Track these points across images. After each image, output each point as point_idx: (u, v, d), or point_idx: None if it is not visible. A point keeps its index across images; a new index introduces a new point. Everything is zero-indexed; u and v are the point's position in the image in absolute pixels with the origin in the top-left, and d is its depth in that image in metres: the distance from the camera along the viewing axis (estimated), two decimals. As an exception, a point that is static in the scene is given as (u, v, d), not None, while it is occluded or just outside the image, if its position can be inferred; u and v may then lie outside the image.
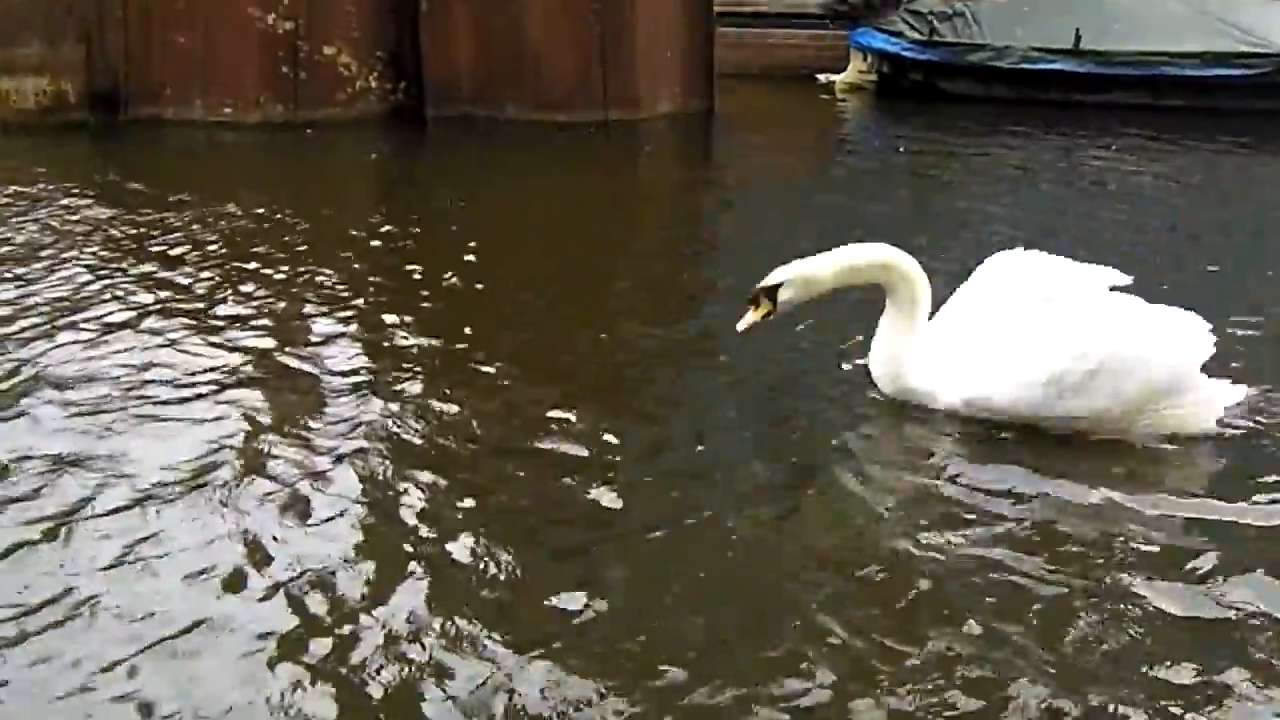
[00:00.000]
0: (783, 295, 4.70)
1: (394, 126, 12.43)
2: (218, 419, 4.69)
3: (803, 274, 4.69)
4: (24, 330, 5.81)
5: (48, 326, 5.86)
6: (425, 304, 6.42)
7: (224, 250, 7.43)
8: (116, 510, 3.93)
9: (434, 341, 5.78)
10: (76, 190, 9.15)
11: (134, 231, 7.91)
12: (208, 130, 12.04)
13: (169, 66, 12.15)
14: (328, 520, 3.90)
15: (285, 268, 7.00)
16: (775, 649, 3.25)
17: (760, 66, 18.03)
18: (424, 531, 3.89)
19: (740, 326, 4.74)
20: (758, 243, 7.85)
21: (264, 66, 12.24)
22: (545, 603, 3.45)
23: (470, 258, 7.36)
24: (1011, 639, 3.31)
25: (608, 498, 4.10)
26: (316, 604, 3.41)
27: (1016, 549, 3.79)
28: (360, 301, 6.39)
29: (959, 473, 4.27)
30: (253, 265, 7.06)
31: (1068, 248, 5.03)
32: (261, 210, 8.46)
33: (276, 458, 4.37)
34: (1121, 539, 3.86)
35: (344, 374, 5.28)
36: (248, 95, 12.22)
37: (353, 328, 5.95)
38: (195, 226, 8.00)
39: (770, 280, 4.71)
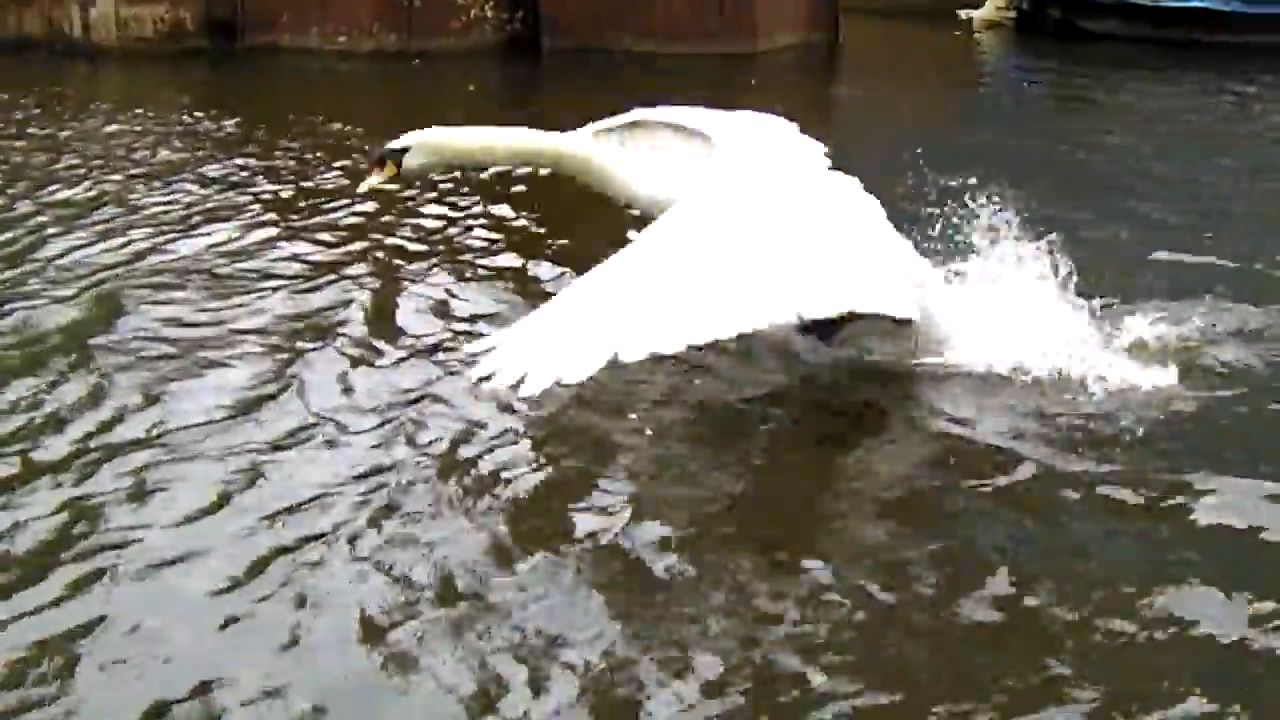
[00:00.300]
0: (408, 161, 4.29)
1: (509, 58, 12.32)
2: (279, 343, 4.63)
3: (431, 140, 4.29)
4: (120, 245, 5.90)
5: (148, 243, 5.93)
6: (516, 232, 6.28)
7: (326, 175, 7.43)
8: (148, 434, 3.86)
9: (514, 262, 5.69)
10: (192, 116, 9.29)
11: (244, 153, 7.98)
12: (322, 59, 12.08)
13: (286, -5, 12.20)
14: (347, 457, 3.75)
15: (384, 194, 6.91)
16: (800, 590, 3.07)
17: (894, 1, 17.55)
18: (437, 459, 3.73)
19: (360, 189, 4.37)
20: (876, 177, 7.53)
21: (378, -4, 12.20)
22: (552, 533, 3.31)
23: (569, 189, 7.18)
24: (1050, 583, 3.12)
25: (637, 439, 3.90)
26: (302, 535, 3.29)
27: (1054, 495, 3.56)
28: (449, 228, 6.31)
29: (1014, 426, 3.98)
30: (352, 186, 7.01)
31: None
32: (368, 138, 8.40)
33: (324, 382, 4.26)
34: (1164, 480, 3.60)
35: (420, 295, 5.22)
36: (362, 24, 12.21)
37: (439, 251, 5.88)
38: (305, 153, 8.04)
39: (397, 143, 4.30)
